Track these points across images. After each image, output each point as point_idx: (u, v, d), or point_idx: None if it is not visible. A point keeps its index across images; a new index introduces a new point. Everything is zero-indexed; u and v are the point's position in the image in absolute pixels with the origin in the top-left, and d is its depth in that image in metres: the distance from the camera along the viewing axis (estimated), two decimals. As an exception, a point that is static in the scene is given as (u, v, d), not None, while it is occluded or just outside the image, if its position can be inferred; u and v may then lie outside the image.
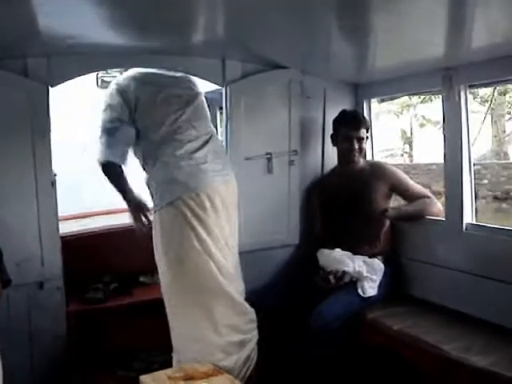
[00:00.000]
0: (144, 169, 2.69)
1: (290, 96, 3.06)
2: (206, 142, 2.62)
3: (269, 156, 3.02)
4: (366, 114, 3.33)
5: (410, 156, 17.37)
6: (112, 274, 3.02)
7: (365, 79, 3.35)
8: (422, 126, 16.50)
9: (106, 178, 2.60)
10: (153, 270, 2.70)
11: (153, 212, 2.60)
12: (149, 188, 2.62)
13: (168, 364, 2.50)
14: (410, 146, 17.41)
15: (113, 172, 2.60)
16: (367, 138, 3.09)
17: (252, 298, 2.75)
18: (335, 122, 3.11)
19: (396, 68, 2.95)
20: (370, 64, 3.10)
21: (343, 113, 3.09)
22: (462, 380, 2.24)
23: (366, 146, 3.11)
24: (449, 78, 2.71)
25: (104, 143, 2.55)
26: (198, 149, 2.58)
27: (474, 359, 2.21)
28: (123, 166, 2.61)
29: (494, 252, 2.56)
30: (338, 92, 3.34)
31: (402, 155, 17.61)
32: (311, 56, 2.91)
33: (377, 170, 3.03)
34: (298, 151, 3.11)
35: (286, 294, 2.86)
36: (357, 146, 3.00)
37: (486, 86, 3.54)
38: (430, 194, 2.99)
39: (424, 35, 2.28)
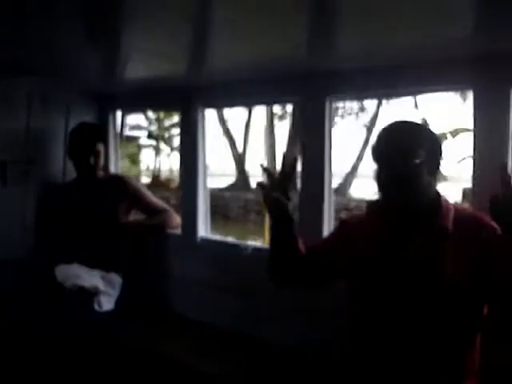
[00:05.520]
0: None
1: (29, 103, 2.91)
2: None
3: (3, 164, 2.82)
4: (110, 125, 3.35)
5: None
6: None
7: (111, 90, 3.33)
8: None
9: None
10: None
11: None
12: None
13: None
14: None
15: None
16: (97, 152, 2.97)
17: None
18: None
19: (142, 81, 2.97)
20: (117, 76, 3.07)
21: (72, 130, 3.01)
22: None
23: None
24: (187, 98, 2.85)
25: None
26: None
27: (203, 365, 2.37)
28: None
29: (223, 263, 2.80)
30: (82, 102, 3.29)
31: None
32: (54, 64, 2.77)
33: (117, 185, 3.01)
34: (36, 161, 2.96)
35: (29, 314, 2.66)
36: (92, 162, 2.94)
37: (223, 107, 3.84)
38: (168, 208, 3.08)
39: (165, 52, 2.28)
